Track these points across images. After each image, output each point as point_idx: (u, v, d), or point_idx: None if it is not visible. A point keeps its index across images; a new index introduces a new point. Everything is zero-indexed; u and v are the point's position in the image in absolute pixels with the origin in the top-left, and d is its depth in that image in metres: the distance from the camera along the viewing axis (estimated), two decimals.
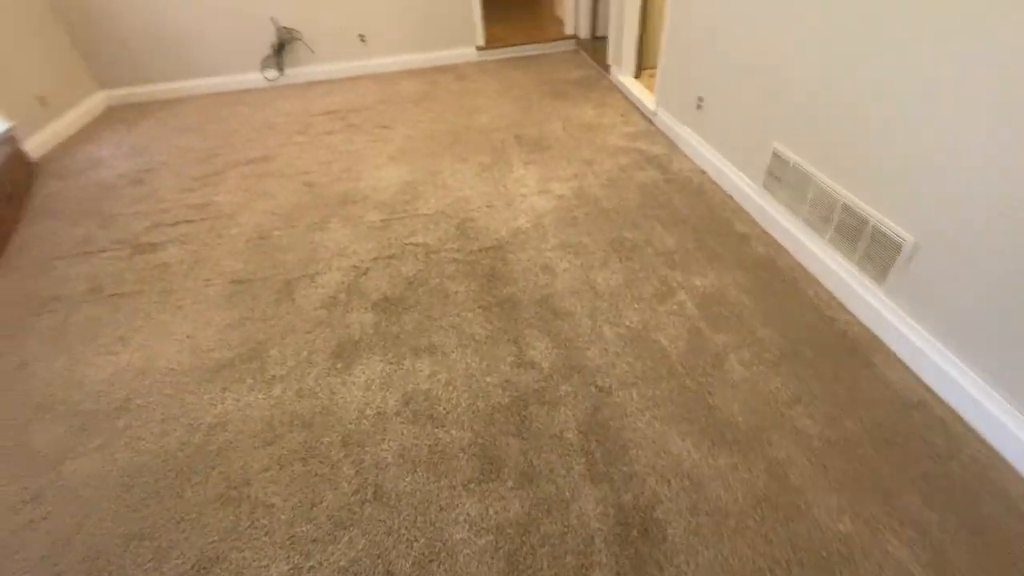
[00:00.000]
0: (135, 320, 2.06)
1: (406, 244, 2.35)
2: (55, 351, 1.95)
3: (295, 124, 3.74)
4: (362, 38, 4.48)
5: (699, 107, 2.70)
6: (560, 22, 5.24)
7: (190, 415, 1.64)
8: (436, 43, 4.61)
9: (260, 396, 1.68)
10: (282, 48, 4.38)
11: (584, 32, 4.82)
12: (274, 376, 1.75)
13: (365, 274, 2.19)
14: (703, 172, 2.71)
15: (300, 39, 4.39)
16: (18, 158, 3.34)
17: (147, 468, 1.50)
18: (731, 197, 2.48)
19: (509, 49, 4.79)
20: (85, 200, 2.99)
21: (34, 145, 3.62)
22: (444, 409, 1.58)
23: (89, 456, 1.55)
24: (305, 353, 1.83)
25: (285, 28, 4.31)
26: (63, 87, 4.05)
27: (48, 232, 2.72)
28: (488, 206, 2.58)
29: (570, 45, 4.89)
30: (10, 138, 3.40)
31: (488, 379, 1.66)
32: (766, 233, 2.22)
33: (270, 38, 4.34)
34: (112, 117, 4.22)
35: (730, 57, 2.34)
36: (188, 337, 1.95)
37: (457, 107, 3.78)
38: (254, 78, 4.54)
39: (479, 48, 4.70)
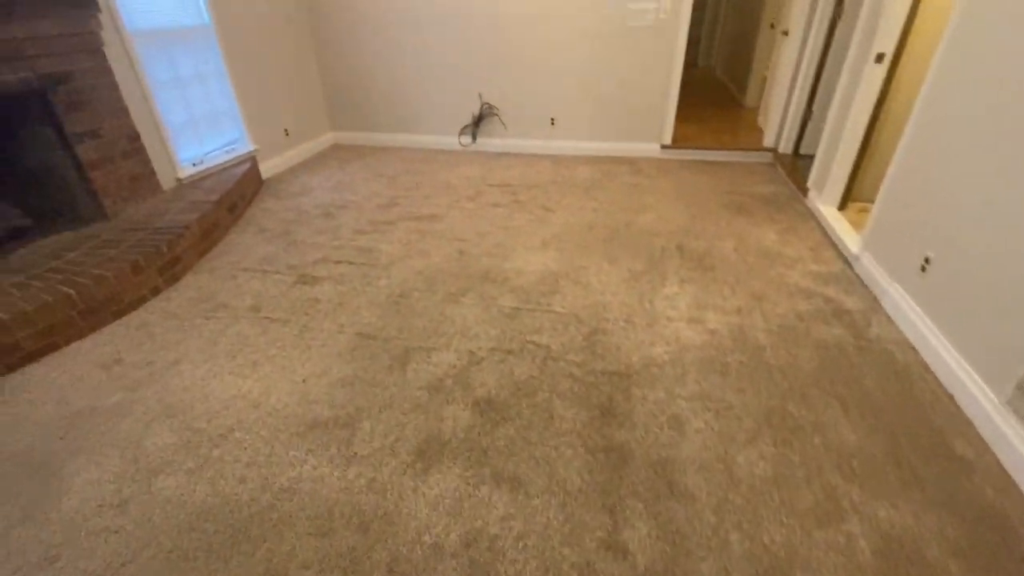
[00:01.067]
0: (271, 348, 2.22)
1: (527, 341, 2.20)
2: (203, 358, 2.17)
3: (469, 189, 3.96)
4: (552, 121, 4.68)
5: (924, 269, 2.14)
6: (759, 132, 4.90)
7: (271, 468, 1.64)
8: (621, 134, 4.62)
9: (336, 473, 1.62)
10: (480, 120, 4.78)
11: (786, 146, 4.41)
12: (356, 454, 1.68)
13: (478, 364, 2.07)
14: (913, 349, 2.11)
15: (497, 114, 4.75)
16: (253, 176, 4.07)
17: (214, 513, 1.50)
18: (952, 397, 1.86)
19: (695, 151, 4.58)
20: (284, 222, 3.47)
21: (267, 166, 4.40)
22: (504, 570, 1.33)
23: (178, 477, 1.62)
24: (392, 438, 1.74)
25: (488, 104, 4.71)
26: (305, 123, 4.91)
27: (247, 243, 3.18)
28: (626, 321, 2.33)
29: (766, 158, 4.50)
30: (252, 158, 4.17)
31: (565, 552, 1.37)
32: (1001, 470, 1.59)
33: (473, 110, 4.77)
34: (333, 154, 4.98)
35: (986, 218, 1.81)
36: (303, 381, 2.01)
37: (624, 202, 3.65)
38: (451, 141, 5.01)
39: (664, 146, 4.58)
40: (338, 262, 2.92)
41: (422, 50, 4.63)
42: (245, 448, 1.72)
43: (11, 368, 2.13)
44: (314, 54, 4.90)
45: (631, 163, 4.49)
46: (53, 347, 2.25)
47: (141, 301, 2.58)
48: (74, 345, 2.29)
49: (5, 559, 1.39)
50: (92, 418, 1.86)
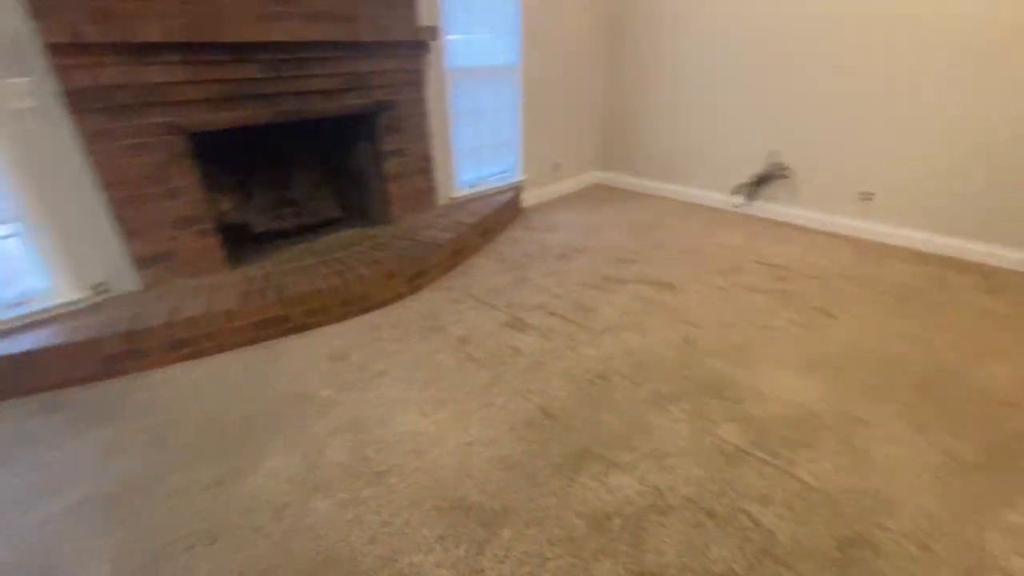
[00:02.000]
0: (460, 389, 2.15)
1: (742, 509, 1.58)
2: (403, 377, 2.24)
3: (724, 261, 3.33)
4: (866, 196, 3.61)
5: None
6: None
7: (401, 540, 1.51)
8: (979, 229, 3.23)
9: None
10: (763, 180, 4.03)
11: None
12: (482, 570, 1.42)
13: (662, 514, 1.57)
14: None
15: (787, 176, 3.93)
16: (514, 205, 4.28)
17: (336, 567, 1.44)
18: None
19: None
20: (523, 255, 3.51)
21: (529, 196, 4.59)
22: None
23: (330, 504, 1.63)
24: (525, 571, 1.41)
25: (777, 164, 3.93)
26: (575, 159, 4.99)
27: (485, 270, 3.30)
28: (921, 545, 1.47)
29: None
30: (518, 188, 4.40)
31: None
32: None
33: (756, 168, 4.06)
34: (592, 193, 4.93)
35: None
36: (469, 444, 1.86)
37: (961, 334, 2.49)
38: (719, 198, 4.40)
39: None
40: (553, 313, 2.74)
41: (703, 88, 4.16)
42: (391, 500, 1.64)
43: (281, 334, 2.60)
44: (600, 93, 4.93)
45: (983, 274, 3.11)
46: (309, 326, 2.66)
47: (383, 304, 2.88)
48: (325, 328, 2.67)
49: (182, 519, 1.59)
50: (303, 406, 2.08)
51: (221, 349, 2.48)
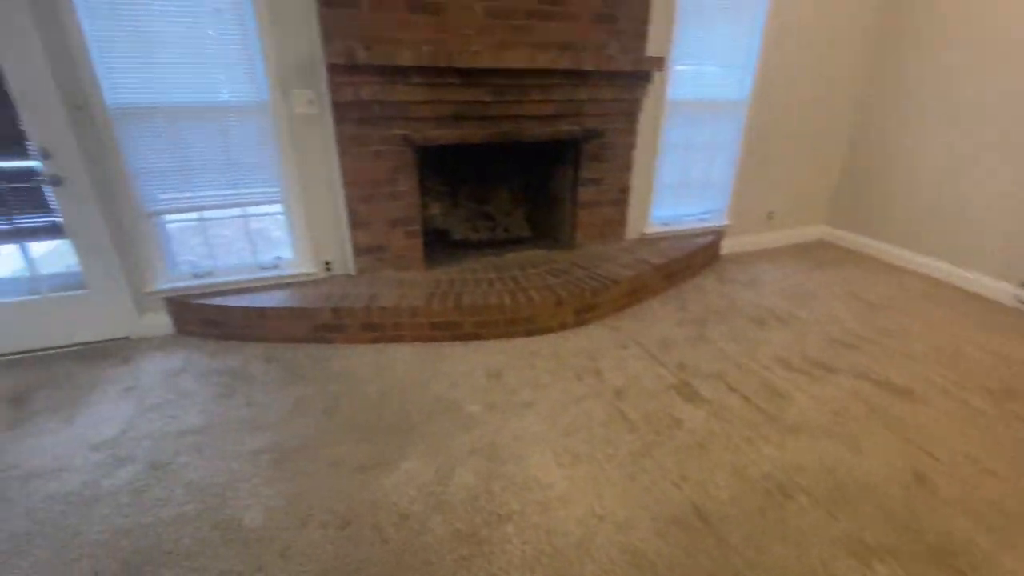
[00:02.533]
0: (602, 450, 1.96)
1: None
2: (547, 416, 2.14)
3: (993, 376, 2.45)
4: None
5: None
6: None
7: None
8: None
9: None
10: None
11: None
12: None
13: None
14: None
15: None
16: (711, 250, 3.86)
17: None
18: None
19: None
20: (708, 309, 3.12)
21: (732, 242, 4.09)
22: None
23: (442, 532, 1.61)
24: None
25: None
26: (795, 209, 4.29)
27: (661, 316, 3.02)
28: None
29: None
30: (719, 233, 3.96)
31: None
32: None
33: None
34: (812, 252, 4.19)
35: None
36: (599, 518, 1.66)
37: None
38: (994, 287, 3.30)
39: None
40: (732, 389, 2.34)
41: (1001, 137, 3.12)
42: (503, 552, 1.54)
43: (450, 338, 2.74)
44: (843, 136, 4.15)
45: None
46: (476, 337, 2.75)
47: (546, 331, 2.83)
48: (488, 342, 2.73)
49: (327, 494, 1.73)
50: (450, 415, 2.14)
51: (401, 340, 2.72)
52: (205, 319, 2.72)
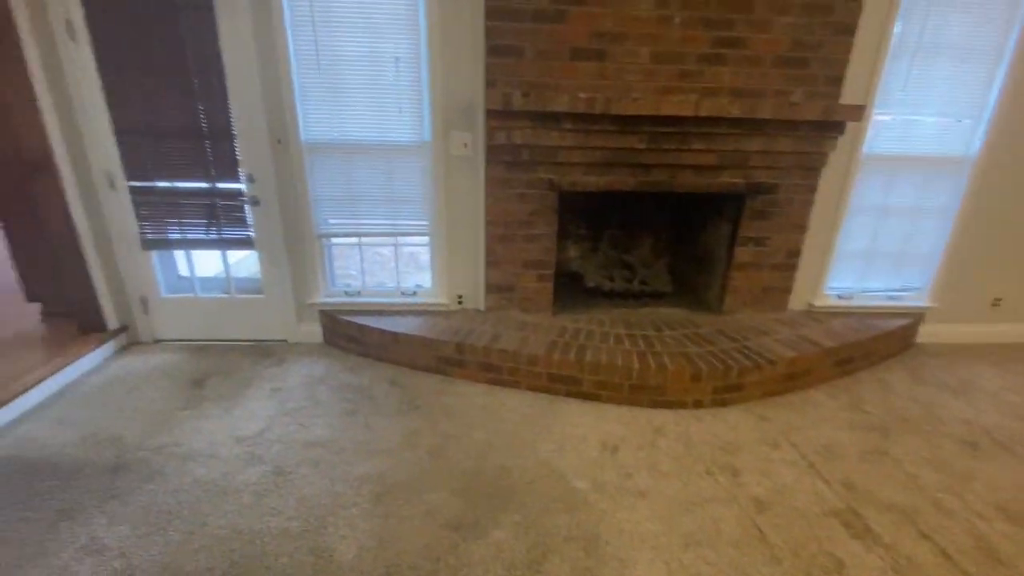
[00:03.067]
0: (727, 571, 1.60)
1: None
2: (663, 516, 1.84)
3: None
4: None
5: None
6: None
7: None
8: None
9: None
10: None
11: None
12: None
13: None
14: None
15: None
16: (903, 336, 3.14)
17: None
18: None
19: None
20: (895, 416, 2.49)
21: (934, 330, 3.27)
22: None
23: None
24: None
25: None
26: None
27: (826, 416, 2.48)
28: None
29: None
30: (919, 316, 3.20)
31: None
32: None
33: None
34: None
35: None
36: None
37: None
38: None
39: None
40: (926, 536, 1.78)
41: None
42: None
43: (566, 393, 2.57)
44: None
45: None
46: (595, 397, 2.54)
47: (677, 406, 2.50)
48: (608, 406, 2.50)
49: (418, 546, 1.66)
50: (553, 487, 1.96)
51: (516, 386, 2.64)
52: (348, 335, 2.95)
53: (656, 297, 3.27)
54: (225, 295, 3.00)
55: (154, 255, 2.89)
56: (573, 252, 3.51)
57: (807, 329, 2.95)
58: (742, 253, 2.95)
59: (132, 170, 2.67)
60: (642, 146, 2.60)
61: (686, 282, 3.39)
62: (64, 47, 2.43)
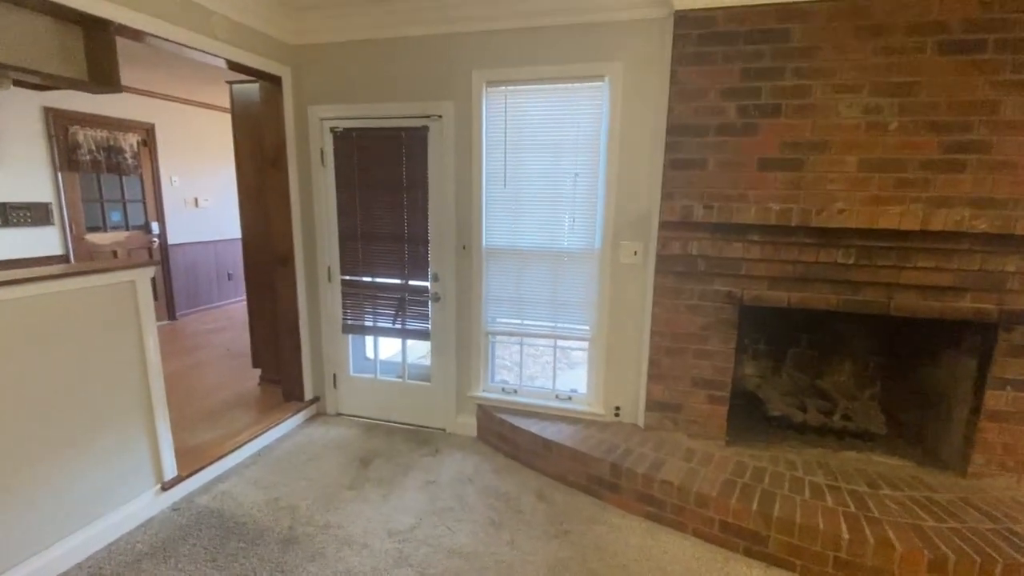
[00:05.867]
0: None
1: None
2: None
3: None
4: None
5: None
6: None
7: None
8: None
9: None
10: None
11: None
12: None
13: None
14: None
15: None
16: None
17: None
18: None
19: None
20: None
21: None
22: None
23: None
24: None
25: None
26: None
27: None
28: None
29: None
30: None
31: None
32: None
33: None
34: None
35: None
36: None
37: None
38: None
39: None
40: None
41: None
42: None
43: (746, 552, 2.12)
44: None
45: None
46: (784, 564, 2.04)
47: None
48: None
49: None
50: None
51: (681, 528, 2.27)
52: (500, 434, 2.92)
53: (863, 439, 2.65)
54: (399, 379, 3.25)
55: (350, 338, 3.30)
56: (749, 369, 3.09)
57: None
58: (996, 398, 2.27)
59: (346, 266, 3.16)
60: (848, 261, 2.25)
61: (906, 424, 2.71)
62: (316, 170, 3.08)
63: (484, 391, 3.07)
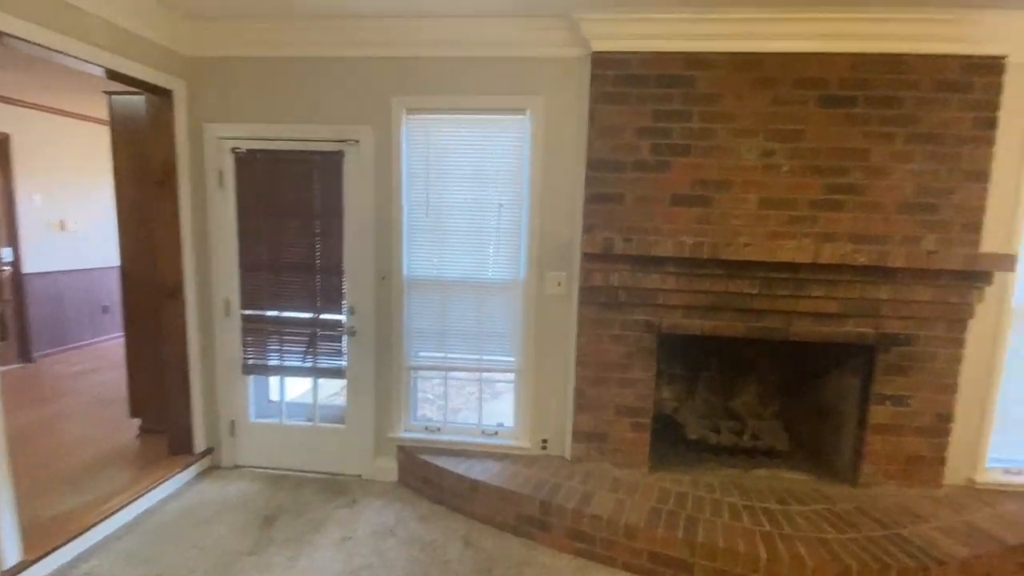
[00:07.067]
0: None
1: None
2: None
3: None
4: None
5: None
6: None
7: None
8: None
9: None
10: None
11: None
12: None
13: None
14: None
15: None
16: None
17: None
18: None
19: None
20: None
21: None
22: None
23: None
24: None
25: None
26: None
27: None
28: None
29: None
30: None
31: None
32: None
33: None
34: None
35: None
36: None
37: None
38: None
39: None
40: None
41: None
42: None
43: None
44: None
45: None
46: None
47: None
48: None
49: None
50: None
51: (612, 563, 2.24)
52: (424, 477, 2.75)
53: (770, 456, 2.82)
54: (309, 423, 2.96)
55: (251, 379, 2.96)
56: (667, 394, 3.20)
57: (975, 514, 2.37)
58: (879, 413, 2.53)
59: (247, 299, 2.85)
60: (754, 291, 2.42)
61: (805, 440, 2.94)
62: (213, 194, 2.78)
63: (406, 431, 2.88)
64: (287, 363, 2.89)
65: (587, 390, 2.67)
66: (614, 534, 2.22)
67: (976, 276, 2.35)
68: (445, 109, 2.64)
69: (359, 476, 2.91)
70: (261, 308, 2.86)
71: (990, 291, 2.41)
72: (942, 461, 2.56)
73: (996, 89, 2.34)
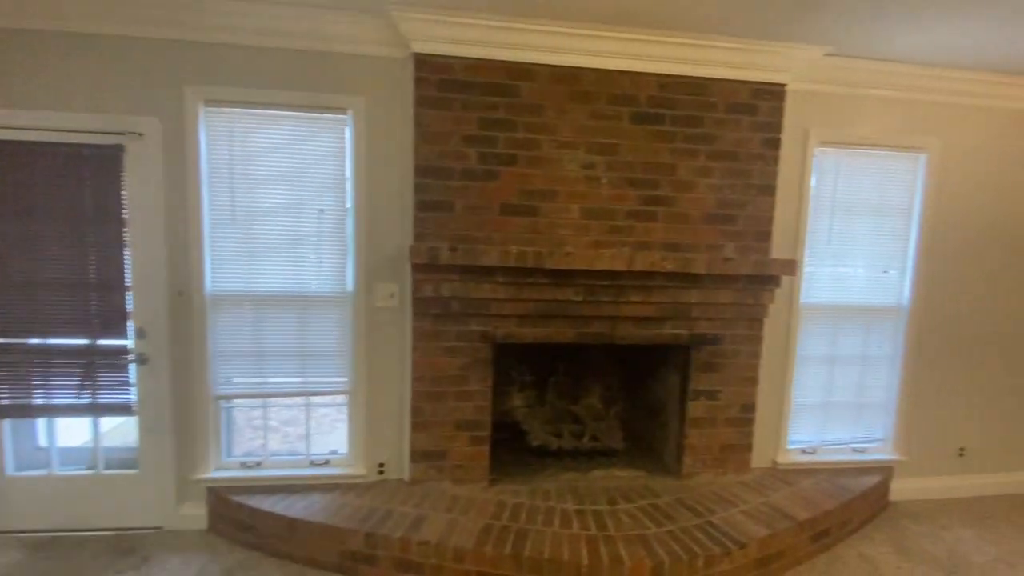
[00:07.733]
0: None
1: None
2: None
3: None
4: None
5: None
6: None
7: None
8: None
9: None
10: None
11: None
12: None
13: None
14: None
15: None
16: (876, 495, 2.85)
17: None
18: None
19: None
20: None
21: (907, 486, 3.02)
22: None
23: None
24: None
25: None
26: (996, 447, 3.15)
27: None
28: None
29: None
30: (887, 471, 2.95)
31: None
32: None
33: None
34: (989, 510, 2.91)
35: None
36: None
37: None
38: None
39: None
40: None
41: None
42: None
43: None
44: None
45: None
46: None
47: None
48: None
49: None
50: None
51: None
52: (238, 520, 2.40)
53: (607, 456, 2.92)
54: (90, 471, 2.45)
55: (6, 424, 2.38)
56: (518, 401, 3.19)
57: (776, 494, 2.64)
58: (696, 407, 2.72)
59: None
60: (579, 298, 2.47)
61: (641, 436, 3.09)
62: None
63: (217, 470, 2.51)
64: (56, 401, 2.36)
65: (424, 406, 2.54)
66: (442, 559, 2.11)
67: (767, 280, 2.63)
68: (252, 103, 2.35)
69: (159, 528, 2.48)
70: (15, 336, 2.31)
71: (780, 292, 2.71)
72: (749, 448, 2.83)
73: (779, 113, 2.64)
